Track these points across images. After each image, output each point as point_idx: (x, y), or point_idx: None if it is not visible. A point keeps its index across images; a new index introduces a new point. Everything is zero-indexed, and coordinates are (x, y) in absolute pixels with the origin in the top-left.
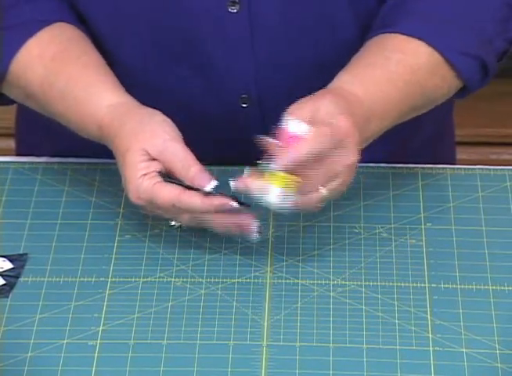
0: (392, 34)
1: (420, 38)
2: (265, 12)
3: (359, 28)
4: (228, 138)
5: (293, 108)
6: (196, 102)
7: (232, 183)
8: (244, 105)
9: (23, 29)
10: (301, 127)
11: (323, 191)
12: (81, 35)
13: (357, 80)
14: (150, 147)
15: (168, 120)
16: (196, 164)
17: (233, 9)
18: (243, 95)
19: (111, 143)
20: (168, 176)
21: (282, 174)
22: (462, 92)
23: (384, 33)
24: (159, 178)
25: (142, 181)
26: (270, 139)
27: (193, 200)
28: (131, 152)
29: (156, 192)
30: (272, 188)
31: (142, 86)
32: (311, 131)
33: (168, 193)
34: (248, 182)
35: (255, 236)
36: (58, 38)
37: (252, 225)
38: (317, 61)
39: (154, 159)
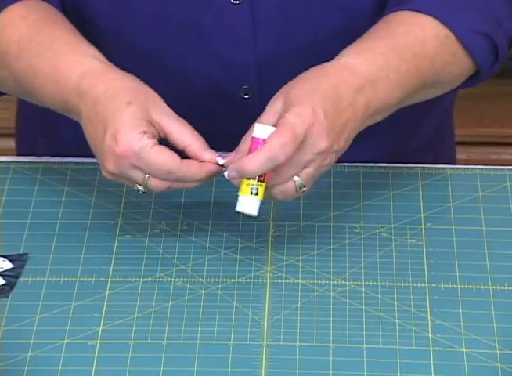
0: (401, 11)
1: (428, 14)
2: (267, 3)
3: (361, 18)
4: (228, 130)
5: (272, 100)
6: (198, 93)
7: (225, 174)
8: (246, 96)
9: None
10: (266, 131)
11: (297, 179)
12: (59, 12)
13: (358, 52)
14: (154, 108)
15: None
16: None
17: (236, 0)
18: (245, 86)
19: (98, 92)
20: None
21: (246, 181)
22: (473, 80)
23: (394, 11)
24: (155, 141)
25: (141, 136)
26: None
27: (192, 170)
28: (135, 106)
29: (154, 154)
30: (239, 197)
31: (143, 76)
32: (270, 138)
33: (167, 159)
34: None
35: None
36: (40, 6)
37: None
38: (319, 51)
39: (151, 124)
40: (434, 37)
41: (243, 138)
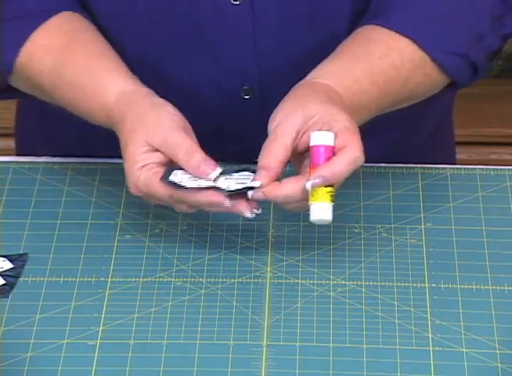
0: (379, 28)
1: (405, 35)
2: (266, 4)
3: (360, 19)
4: (228, 131)
5: (283, 116)
6: (198, 93)
7: (249, 193)
8: (246, 97)
9: (27, 21)
10: (325, 137)
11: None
12: (87, 24)
13: (336, 73)
14: (151, 137)
15: (171, 109)
16: (200, 152)
17: (236, 1)
18: (245, 87)
19: (119, 134)
20: (172, 166)
21: (323, 188)
22: (452, 87)
23: (371, 24)
24: (157, 169)
25: (140, 173)
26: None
27: (191, 196)
28: (130, 144)
29: (153, 183)
30: (313, 205)
31: (144, 76)
32: (348, 141)
33: (162, 188)
34: (267, 193)
35: (251, 215)
36: (64, 28)
37: (245, 211)
38: (318, 52)
39: (156, 150)
40: (410, 60)
41: (261, 154)
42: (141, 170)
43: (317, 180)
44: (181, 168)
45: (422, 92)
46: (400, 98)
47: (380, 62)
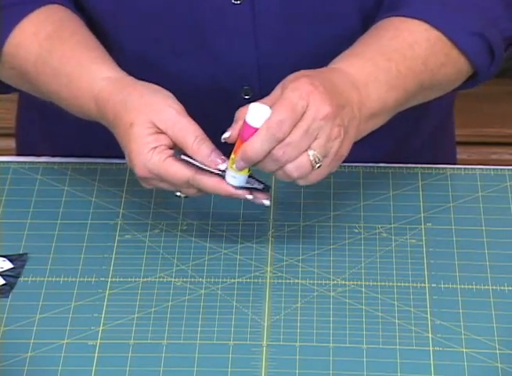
0: (390, 18)
1: (417, 18)
2: (267, 4)
3: (360, 19)
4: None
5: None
6: (198, 93)
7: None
8: (246, 96)
9: (18, 9)
10: (263, 111)
11: (311, 152)
12: (74, 16)
13: (345, 59)
14: (158, 120)
15: (172, 95)
16: (209, 141)
17: (236, 1)
18: (246, 87)
19: (110, 121)
20: (179, 150)
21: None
22: (472, 81)
23: (383, 18)
24: (169, 152)
25: (151, 155)
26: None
27: (208, 182)
28: (137, 125)
29: (167, 168)
30: (229, 171)
31: (144, 75)
32: (265, 122)
33: (180, 171)
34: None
35: (269, 203)
36: (52, 18)
37: (263, 200)
38: (319, 52)
39: (162, 132)
40: (425, 39)
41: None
42: (153, 151)
43: (240, 164)
44: (185, 154)
45: (446, 76)
46: (425, 79)
47: (391, 42)
